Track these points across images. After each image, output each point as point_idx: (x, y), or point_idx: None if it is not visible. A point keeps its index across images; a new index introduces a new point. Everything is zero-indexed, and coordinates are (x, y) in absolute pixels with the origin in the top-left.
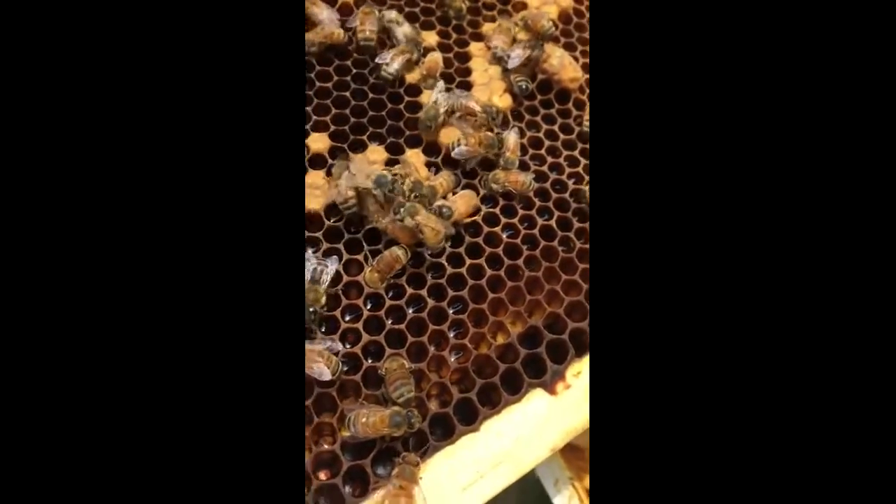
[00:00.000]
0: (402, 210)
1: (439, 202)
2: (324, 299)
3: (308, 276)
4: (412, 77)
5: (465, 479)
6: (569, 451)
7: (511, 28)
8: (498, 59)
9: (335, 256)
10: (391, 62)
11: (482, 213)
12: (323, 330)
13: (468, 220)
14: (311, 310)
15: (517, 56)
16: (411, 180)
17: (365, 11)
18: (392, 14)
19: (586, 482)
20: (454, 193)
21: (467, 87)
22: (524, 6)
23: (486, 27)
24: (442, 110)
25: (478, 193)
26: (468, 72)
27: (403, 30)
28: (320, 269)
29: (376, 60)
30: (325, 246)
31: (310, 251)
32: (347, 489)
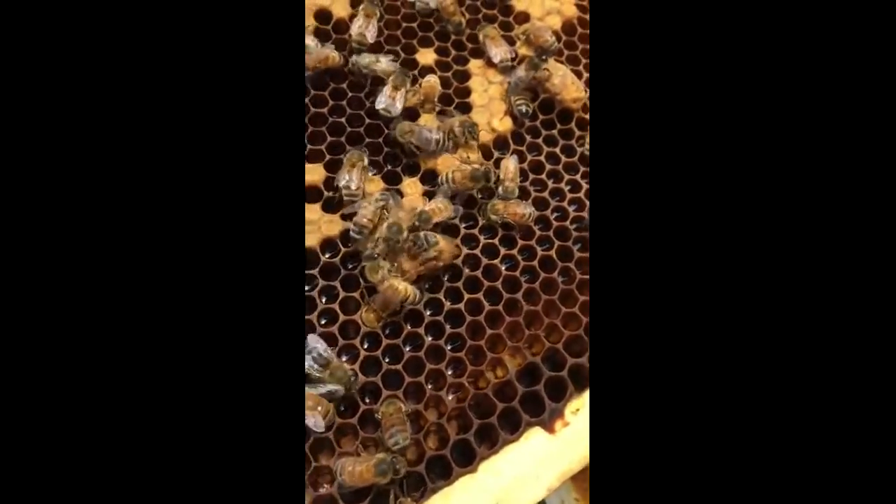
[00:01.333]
0: (365, 267)
1: (423, 233)
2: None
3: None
4: (410, 101)
5: None
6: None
7: (498, 33)
8: (504, 71)
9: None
10: (393, 104)
11: (481, 244)
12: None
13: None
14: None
15: (520, 80)
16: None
17: (367, 13)
18: (365, 59)
19: None
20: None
21: (466, 108)
22: (526, 17)
23: (482, 35)
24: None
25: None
26: (467, 92)
27: (382, 67)
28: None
29: (376, 106)
30: (321, 283)
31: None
32: None
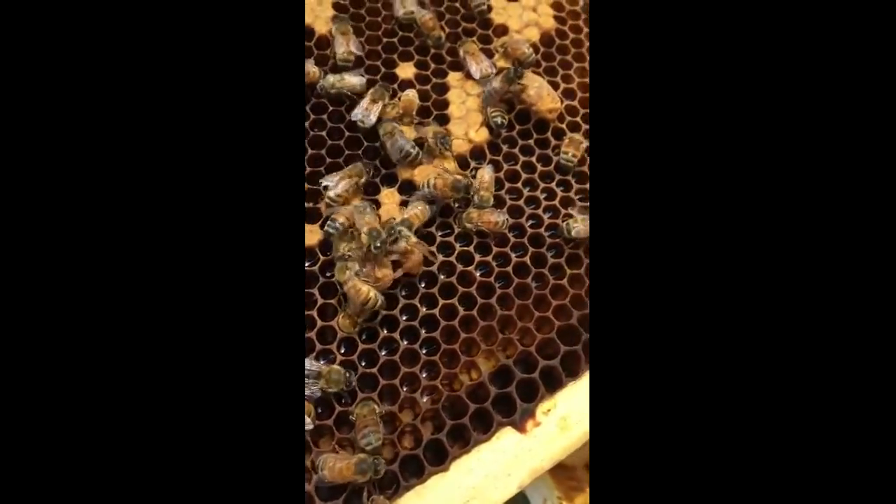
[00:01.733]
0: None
1: (397, 229)
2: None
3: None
4: (389, 115)
5: None
6: (559, 470)
7: (478, 48)
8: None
9: None
10: (368, 115)
11: (456, 251)
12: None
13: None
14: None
15: (494, 90)
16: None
17: (342, 31)
18: (329, 80)
19: (576, 502)
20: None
21: (444, 120)
22: (505, 30)
23: (462, 51)
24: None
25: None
26: (445, 104)
27: (350, 82)
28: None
29: (352, 118)
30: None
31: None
32: None
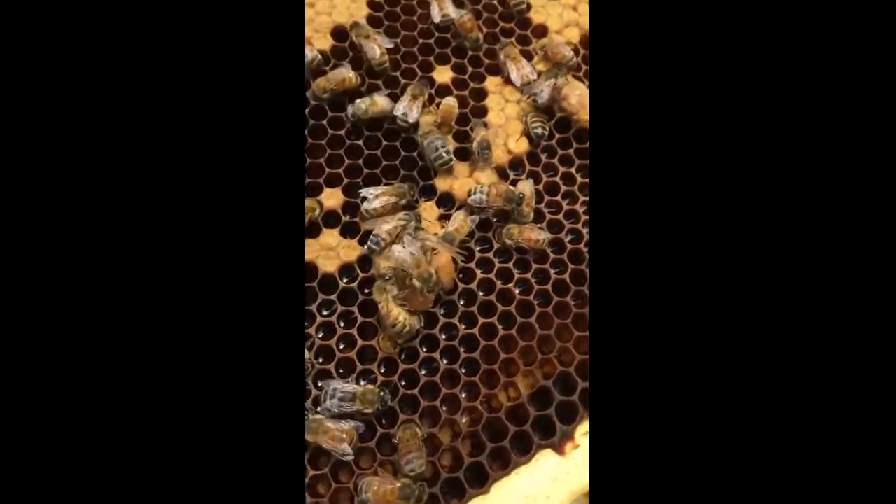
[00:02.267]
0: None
1: (424, 271)
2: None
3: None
4: (426, 121)
5: None
6: None
7: (519, 53)
8: (529, 95)
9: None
10: (410, 111)
11: (495, 268)
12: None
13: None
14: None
15: (545, 93)
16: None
17: (365, 35)
18: (361, 106)
19: None
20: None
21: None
22: (544, 30)
23: (503, 55)
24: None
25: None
26: (484, 111)
27: (382, 106)
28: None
29: (394, 112)
30: (340, 308)
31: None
32: None
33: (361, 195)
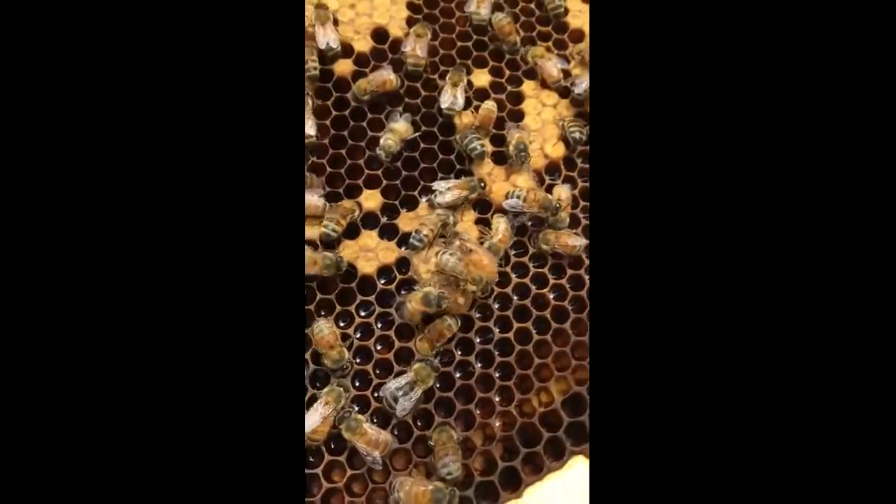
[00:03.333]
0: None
1: (476, 275)
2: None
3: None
4: (465, 123)
5: None
6: None
7: (545, 50)
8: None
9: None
10: (455, 100)
11: (531, 273)
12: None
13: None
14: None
15: (583, 85)
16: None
17: (418, 33)
18: (388, 141)
19: None
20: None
21: None
22: (581, 35)
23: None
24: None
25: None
26: (521, 115)
27: (402, 129)
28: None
29: (441, 105)
30: (378, 309)
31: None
32: None
33: (432, 188)
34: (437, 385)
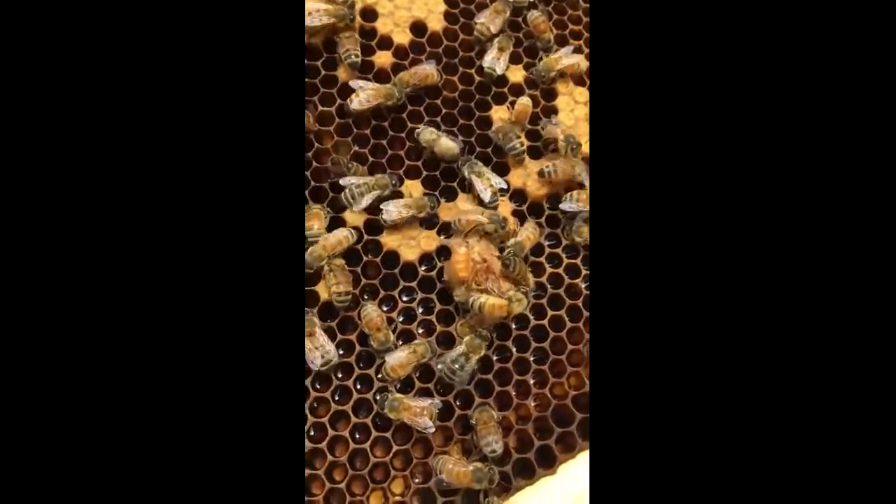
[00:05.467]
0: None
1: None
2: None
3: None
4: (501, 118)
5: None
6: None
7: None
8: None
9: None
10: (497, 62)
11: (564, 263)
12: (418, 375)
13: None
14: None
15: None
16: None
17: (497, 9)
18: (427, 135)
19: None
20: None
21: None
22: None
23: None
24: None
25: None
26: (554, 111)
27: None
28: None
29: (483, 63)
30: (420, 295)
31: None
32: None
33: (380, 208)
34: (477, 367)
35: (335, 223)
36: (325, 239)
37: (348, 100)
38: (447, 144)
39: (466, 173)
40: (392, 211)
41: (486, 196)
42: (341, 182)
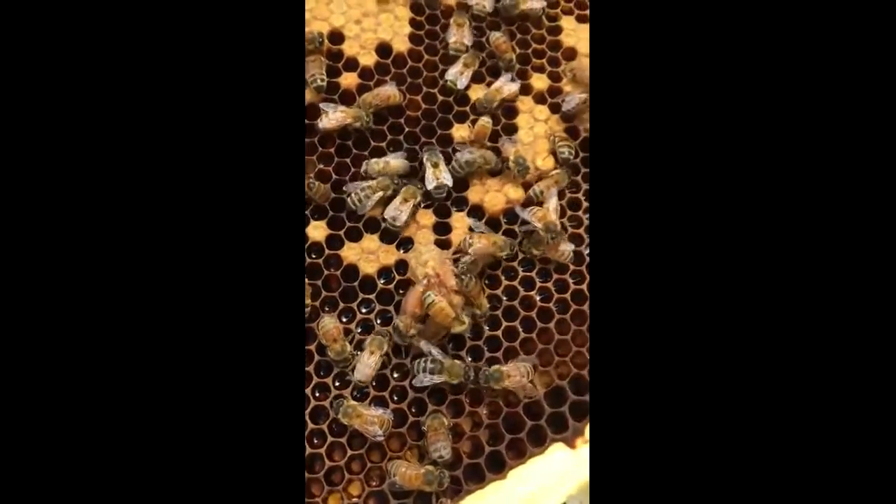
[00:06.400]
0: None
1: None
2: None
3: None
4: (460, 135)
5: None
6: None
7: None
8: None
9: None
10: (460, 77)
11: (519, 276)
12: (374, 384)
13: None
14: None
15: (572, 103)
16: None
17: (458, 22)
18: (376, 166)
19: None
20: None
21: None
22: (574, 53)
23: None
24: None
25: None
26: (514, 129)
27: (394, 166)
28: None
29: (446, 77)
30: (378, 307)
31: None
32: None
33: (384, 216)
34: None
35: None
36: None
37: (318, 119)
38: (396, 165)
39: (425, 158)
40: (399, 215)
41: (431, 185)
42: (345, 189)
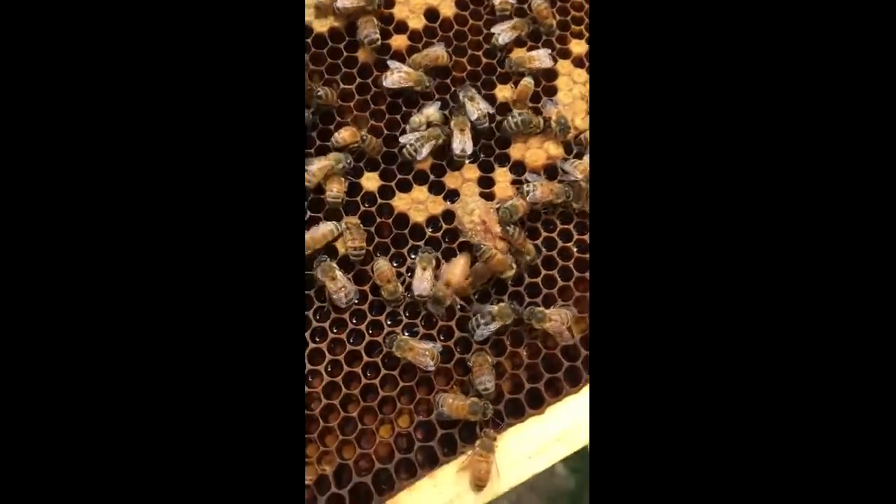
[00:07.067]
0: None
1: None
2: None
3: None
4: (504, 95)
5: (530, 449)
6: None
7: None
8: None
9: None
10: (504, 35)
11: (558, 229)
12: (422, 323)
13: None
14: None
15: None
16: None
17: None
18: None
19: None
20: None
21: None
22: None
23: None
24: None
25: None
26: (554, 91)
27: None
28: None
29: (492, 30)
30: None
31: None
32: (441, 450)
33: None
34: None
35: (354, 189)
36: (313, 231)
37: (383, 76)
38: (436, 115)
39: (461, 96)
40: (420, 148)
41: (473, 116)
42: (401, 140)
